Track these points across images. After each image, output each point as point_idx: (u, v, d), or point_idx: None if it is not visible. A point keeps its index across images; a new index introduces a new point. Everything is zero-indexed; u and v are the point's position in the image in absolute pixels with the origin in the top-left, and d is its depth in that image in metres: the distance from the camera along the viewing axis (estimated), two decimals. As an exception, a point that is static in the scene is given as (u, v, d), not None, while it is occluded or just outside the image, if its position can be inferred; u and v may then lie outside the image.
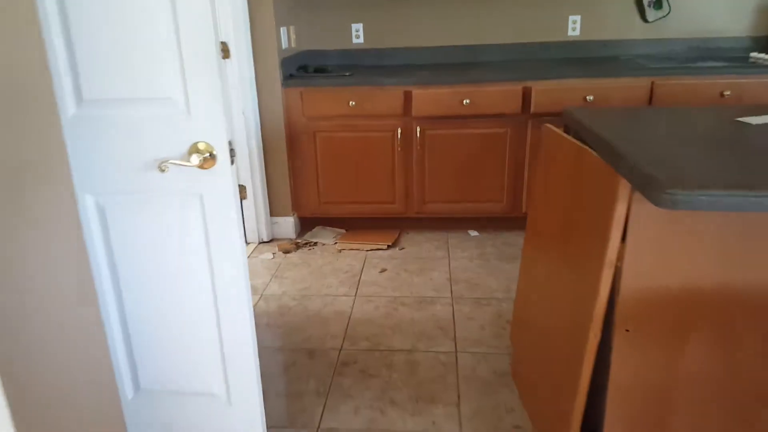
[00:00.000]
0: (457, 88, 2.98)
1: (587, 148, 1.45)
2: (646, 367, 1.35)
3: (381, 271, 2.89)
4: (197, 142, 1.36)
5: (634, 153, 1.24)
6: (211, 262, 1.46)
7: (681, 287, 1.28)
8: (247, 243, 3.31)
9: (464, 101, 2.98)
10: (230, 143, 1.38)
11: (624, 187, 1.21)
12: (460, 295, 2.61)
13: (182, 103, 1.34)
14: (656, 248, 1.25)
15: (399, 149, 3.13)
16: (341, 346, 2.24)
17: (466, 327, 2.34)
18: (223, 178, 1.39)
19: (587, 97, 2.92)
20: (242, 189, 3.20)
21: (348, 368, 2.10)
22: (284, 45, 3.18)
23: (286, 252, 3.18)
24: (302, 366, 2.13)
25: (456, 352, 2.17)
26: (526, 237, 1.91)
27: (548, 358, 1.62)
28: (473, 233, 3.32)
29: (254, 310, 2.58)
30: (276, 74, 3.06)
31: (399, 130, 3.10)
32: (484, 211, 3.21)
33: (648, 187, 1.06)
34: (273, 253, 3.17)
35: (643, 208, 1.22)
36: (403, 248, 3.16)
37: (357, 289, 2.72)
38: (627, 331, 1.32)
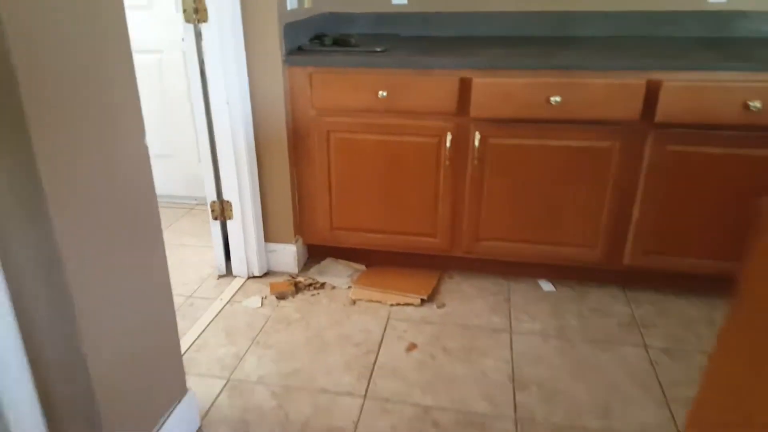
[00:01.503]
0: (542, 76, 1.96)
1: None
2: None
3: (409, 349, 1.96)
4: None
5: None
6: None
7: None
8: (232, 276, 2.43)
9: (551, 98, 1.96)
10: None
11: None
12: (530, 414, 1.66)
13: None
14: None
15: (447, 162, 2.16)
16: None
17: (541, 495, 1.40)
18: None
19: (750, 104, 1.85)
20: (227, 206, 2.30)
21: None
22: (291, 5, 2.21)
23: (281, 297, 2.28)
24: None
25: None
26: (727, 341, 0.93)
27: None
28: (546, 286, 2.32)
29: (210, 411, 1.70)
30: (276, 46, 2.11)
31: (449, 136, 2.11)
32: (566, 258, 2.21)
33: None
34: (263, 298, 2.28)
35: None
36: (443, 306, 2.21)
37: (369, 381, 1.81)
38: None
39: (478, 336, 2.02)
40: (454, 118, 2.10)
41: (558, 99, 1.95)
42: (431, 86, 2.06)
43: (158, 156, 3.13)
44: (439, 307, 2.20)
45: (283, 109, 2.19)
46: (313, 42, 2.35)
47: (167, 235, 2.82)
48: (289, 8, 2.18)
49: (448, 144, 2.12)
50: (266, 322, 2.12)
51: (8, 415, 1.17)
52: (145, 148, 1.32)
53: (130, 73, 1.25)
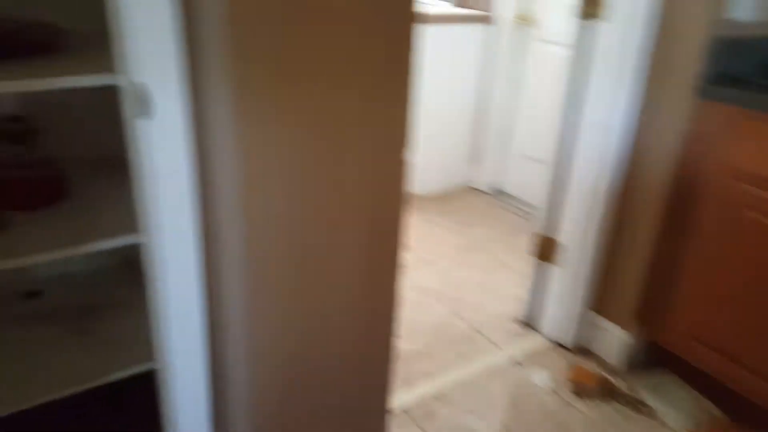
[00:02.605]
0: None
1: None
2: None
3: None
4: None
5: None
6: None
7: None
8: (534, 330, 1.89)
9: None
10: None
11: None
12: None
13: None
14: None
15: None
16: None
17: None
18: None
19: None
20: (555, 247, 1.75)
21: None
22: (744, 14, 1.41)
23: (578, 393, 1.64)
24: None
25: None
26: None
27: None
28: None
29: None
30: (688, 67, 1.39)
31: None
32: None
33: None
34: (554, 382, 1.68)
35: None
36: None
37: None
38: None
39: None
40: None
41: None
42: None
43: (539, 160, 2.71)
44: None
45: (673, 153, 1.47)
46: (754, 72, 1.48)
47: (498, 246, 2.45)
48: (728, 17, 1.39)
49: None
50: (537, 415, 1.54)
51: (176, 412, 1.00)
52: (404, 161, 0.92)
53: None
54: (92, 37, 1.02)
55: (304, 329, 0.98)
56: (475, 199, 2.92)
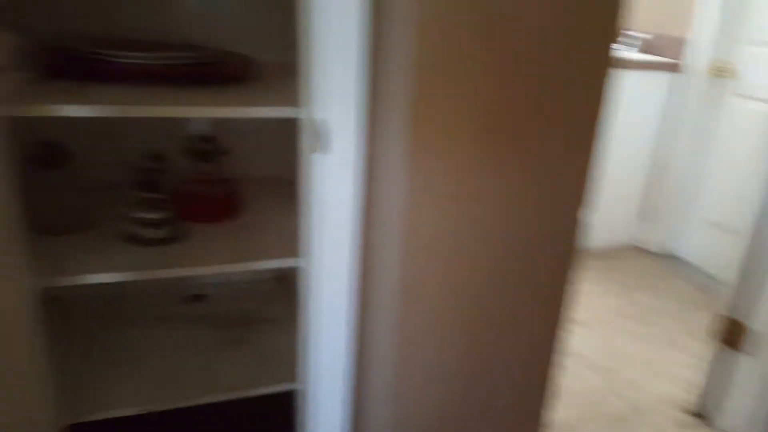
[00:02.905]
0: None
1: None
2: None
3: None
4: None
5: None
6: None
7: None
8: (710, 425, 1.61)
9: None
10: None
11: None
12: None
13: None
14: None
15: None
16: None
17: None
18: None
19: None
20: (740, 329, 1.48)
21: None
22: None
23: None
24: None
25: None
26: None
27: None
28: None
29: None
30: None
31: None
32: None
33: None
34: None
35: None
36: None
37: None
38: None
39: None
40: None
41: None
42: None
43: (726, 228, 2.38)
44: None
45: None
46: None
47: (667, 318, 2.16)
48: None
49: None
50: None
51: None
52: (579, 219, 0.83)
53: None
54: (282, 70, 1.09)
55: (453, 382, 0.92)
56: (642, 260, 2.64)
